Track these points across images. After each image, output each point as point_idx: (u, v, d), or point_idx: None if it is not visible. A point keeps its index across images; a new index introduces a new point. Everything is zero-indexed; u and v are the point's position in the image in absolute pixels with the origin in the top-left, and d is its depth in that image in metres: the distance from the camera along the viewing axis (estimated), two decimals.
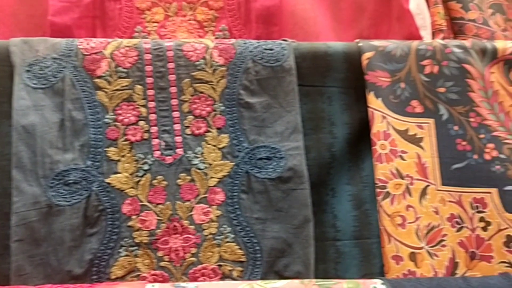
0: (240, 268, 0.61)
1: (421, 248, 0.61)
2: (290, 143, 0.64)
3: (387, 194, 0.62)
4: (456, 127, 0.65)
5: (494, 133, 0.66)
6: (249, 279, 0.61)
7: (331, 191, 0.67)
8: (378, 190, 0.63)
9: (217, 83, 0.64)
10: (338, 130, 0.67)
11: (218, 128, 0.64)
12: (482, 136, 0.65)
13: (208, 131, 0.64)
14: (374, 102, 0.65)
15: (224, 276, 0.61)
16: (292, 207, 0.62)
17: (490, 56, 0.68)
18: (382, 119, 0.64)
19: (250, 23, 0.75)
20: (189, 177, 0.63)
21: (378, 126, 0.64)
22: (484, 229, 0.63)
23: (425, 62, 0.67)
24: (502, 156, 0.65)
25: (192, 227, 0.61)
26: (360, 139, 0.68)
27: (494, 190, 0.63)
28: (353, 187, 0.67)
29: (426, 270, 0.61)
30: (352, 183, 0.67)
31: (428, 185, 0.63)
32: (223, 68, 0.65)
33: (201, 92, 0.64)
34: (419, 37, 0.75)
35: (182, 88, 0.64)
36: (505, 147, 0.65)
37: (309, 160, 0.65)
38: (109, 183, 0.61)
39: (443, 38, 0.75)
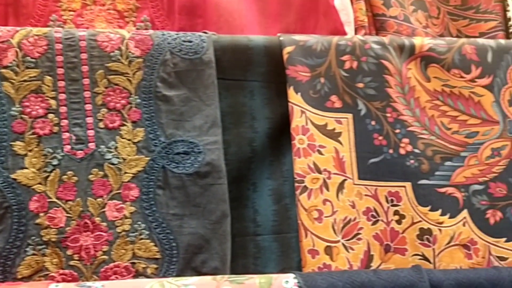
0: (154, 266, 0.60)
1: (337, 241, 0.62)
2: (208, 137, 0.63)
3: (305, 188, 0.63)
4: (373, 122, 0.67)
5: (409, 128, 0.68)
6: (164, 277, 0.60)
7: (252, 185, 0.67)
8: (296, 184, 0.64)
9: (133, 75, 0.63)
10: (259, 125, 0.67)
11: (134, 122, 0.62)
12: (397, 131, 0.67)
13: (123, 125, 0.62)
14: (294, 97, 0.65)
15: (138, 274, 0.60)
16: (210, 202, 0.62)
17: (408, 52, 0.70)
18: (301, 114, 0.65)
19: (173, 15, 0.74)
20: (101, 173, 0.61)
21: (297, 121, 0.65)
22: (399, 222, 0.65)
23: (345, 57, 0.68)
24: (416, 150, 0.67)
25: (104, 224, 0.60)
26: (281, 133, 0.68)
27: (408, 184, 0.65)
28: (274, 181, 0.67)
29: (341, 263, 0.62)
30: (273, 177, 0.68)
31: (345, 179, 0.65)
32: (140, 60, 0.63)
33: (116, 84, 0.63)
34: (343, 33, 0.76)
35: (95, 79, 0.62)
36: (419, 142, 0.67)
37: (230, 154, 0.65)
38: (14, 179, 0.58)
39: (365, 34, 0.77)
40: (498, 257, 0.65)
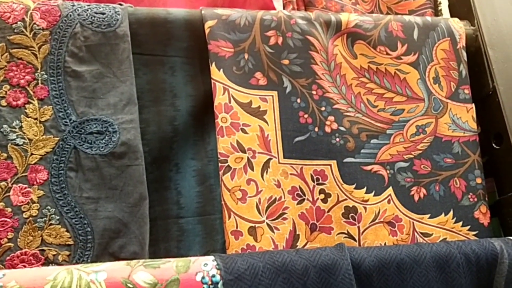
0: (67, 252, 0.58)
1: (261, 222, 0.62)
2: (124, 116, 0.61)
3: (228, 168, 0.62)
4: (298, 100, 0.67)
5: (335, 106, 0.68)
6: (77, 263, 0.57)
7: (174, 166, 0.66)
8: (220, 164, 0.63)
9: (39, 49, 0.59)
10: (181, 103, 0.66)
11: (40, 99, 0.59)
12: (323, 108, 0.67)
13: (28, 103, 0.59)
14: (216, 74, 0.64)
15: (48, 262, 0.57)
16: (127, 184, 0.60)
17: (334, 28, 0.70)
18: (224, 91, 0.64)
19: None
20: (5, 154, 0.57)
21: (220, 99, 0.63)
22: (324, 201, 0.65)
23: (269, 33, 0.67)
24: (342, 128, 0.67)
25: (9, 209, 0.56)
26: (205, 112, 0.67)
27: (333, 162, 0.66)
28: (197, 162, 0.66)
29: (266, 244, 0.61)
30: (197, 157, 0.66)
31: (270, 158, 0.64)
32: (46, 32, 0.60)
33: (20, 59, 0.59)
34: (272, 8, 0.76)
35: None
36: (345, 120, 0.68)
37: (149, 134, 0.63)
38: None
39: (293, 10, 0.77)
40: (422, 233, 0.66)
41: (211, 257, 0.55)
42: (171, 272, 0.50)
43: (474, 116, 0.71)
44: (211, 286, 0.50)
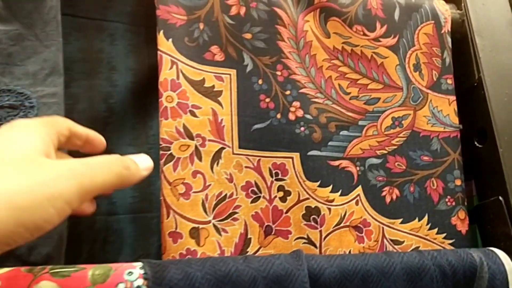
0: None
1: (207, 222, 0.52)
2: (45, 88, 0.50)
3: (171, 157, 0.52)
4: (260, 81, 0.57)
5: (302, 90, 0.59)
6: None
7: (107, 153, 0.55)
8: (161, 152, 0.52)
9: None
10: (119, 77, 0.55)
11: None
12: (288, 92, 0.58)
13: None
14: (164, 44, 0.54)
15: None
16: None
17: (306, 1, 0.60)
18: (172, 64, 0.53)
19: None
20: None
21: (166, 74, 0.53)
22: (283, 199, 0.56)
23: (231, 1, 0.57)
24: (308, 116, 0.58)
25: None
26: (149, 90, 0.57)
27: (296, 155, 0.57)
28: (136, 148, 0.56)
29: (210, 249, 0.52)
30: (136, 144, 0.56)
31: (223, 148, 0.54)
32: None
33: None
34: None
35: None
36: (312, 107, 0.59)
37: (77, 112, 0.53)
38: None
39: None
40: (392, 240, 0.58)
41: (139, 264, 0.45)
42: (84, 282, 0.40)
43: (457, 109, 0.63)
44: None
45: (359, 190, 0.58)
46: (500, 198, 0.60)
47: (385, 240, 0.58)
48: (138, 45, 0.56)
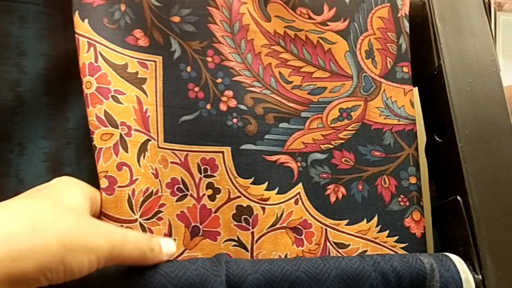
0: None
1: (134, 221, 0.47)
2: None
3: (93, 147, 0.47)
4: (189, 68, 0.52)
5: (236, 78, 0.53)
6: None
7: (17, 146, 0.50)
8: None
9: None
10: (30, 63, 0.50)
11: None
12: (219, 80, 0.53)
13: None
14: (80, 26, 0.49)
15: None
16: None
17: None
18: (89, 47, 0.48)
19: None
20: None
21: (83, 58, 0.48)
22: (212, 198, 0.51)
23: None
24: (242, 107, 0.53)
25: None
26: (66, 78, 0.52)
27: (227, 149, 0.52)
28: (51, 142, 0.51)
29: None
30: (50, 137, 0.51)
31: (149, 140, 0.49)
32: None
33: None
34: None
35: None
36: (247, 97, 0.53)
37: None
38: None
39: None
40: (336, 243, 0.53)
41: None
42: None
43: (413, 100, 0.57)
44: None
45: (299, 188, 0.53)
46: (458, 197, 0.54)
47: (328, 243, 0.53)
48: (53, 29, 0.51)
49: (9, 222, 0.29)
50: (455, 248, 0.55)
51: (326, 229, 0.53)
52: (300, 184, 0.53)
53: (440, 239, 0.58)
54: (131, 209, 0.47)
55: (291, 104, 0.55)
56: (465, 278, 0.50)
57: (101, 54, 0.49)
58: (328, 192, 0.54)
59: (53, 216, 0.31)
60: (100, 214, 0.46)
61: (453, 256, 0.51)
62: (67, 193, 0.36)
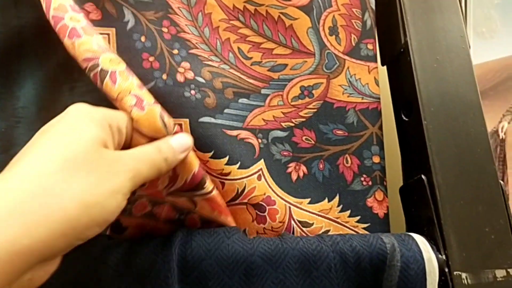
0: None
1: None
2: None
3: (103, 72, 0.43)
4: (143, 38, 0.50)
5: (193, 51, 0.52)
6: None
7: None
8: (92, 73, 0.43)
9: None
10: None
11: None
12: (175, 51, 0.51)
13: None
14: None
15: None
16: None
17: None
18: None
19: None
20: None
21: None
22: None
23: None
24: (199, 79, 0.51)
25: None
26: (19, 55, 0.50)
27: (185, 121, 0.50)
28: (1, 121, 0.49)
29: None
30: (1, 116, 0.49)
31: None
32: None
33: None
34: None
35: None
36: (205, 70, 0.52)
37: None
38: None
39: None
40: (300, 222, 0.51)
41: None
42: None
43: (378, 78, 0.55)
44: None
45: (261, 164, 0.51)
46: (423, 176, 0.52)
47: (292, 221, 0.51)
48: (4, 5, 0.50)
49: (16, 191, 0.27)
50: (420, 228, 0.53)
51: (290, 207, 0.51)
52: (262, 160, 0.51)
53: (406, 219, 0.56)
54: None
55: (251, 80, 0.53)
56: (428, 258, 0.48)
57: None
58: (289, 170, 0.52)
59: (65, 173, 0.28)
60: (134, 133, 0.39)
61: (416, 236, 0.50)
62: (77, 133, 0.31)
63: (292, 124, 0.53)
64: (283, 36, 0.55)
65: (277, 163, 0.52)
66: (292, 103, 0.54)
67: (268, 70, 0.54)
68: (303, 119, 0.54)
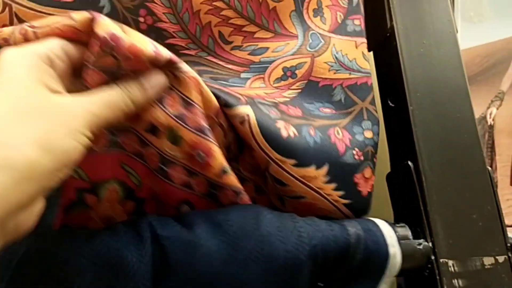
0: None
1: None
2: None
3: None
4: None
5: (169, 41, 0.50)
6: None
7: None
8: None
9: None
10: None
11: None
12: None
13: None
14: None
15: None
16: None
17: None
18: (4, 7, 0.44)
19: None
20: None
21: None
22: None
23: None
24: None
25: None
26: None
27: None
28: None
29: None
30: None
31: None
32: None
33: None
34: None
35: None
36: (181, 59, 0.50)
37: None
38: None
39: None
40: (277, 180, 0.47)
41: None
42: None
43: (366, 53, 0.54)
44: None
45: (248, 109, 0.45)
46: (409, 163, 0.51)
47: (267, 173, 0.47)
48: None
49: None
50: (406, 215, 0.52)
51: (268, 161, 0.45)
52: (249, 106, 0.45)
53: (392, 206, 0.55)
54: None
55: (230, 66, 0.52)
56: (391, 242, 0.46)
57: (16, 16, 0.45)
58: (278, 125, 0.46)
59: (15, 120, 0.27)
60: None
61: (385, 228, 0.48)
62: (16, 83, 0.30)
63: (276, 102, 0.51)
64: (265, 19, 0.53)
65: (266, 116, 0.47)
66: (275, 85, 0.52)
67: (249, 54, 0.52)
68: (287, 99, 0.52)
